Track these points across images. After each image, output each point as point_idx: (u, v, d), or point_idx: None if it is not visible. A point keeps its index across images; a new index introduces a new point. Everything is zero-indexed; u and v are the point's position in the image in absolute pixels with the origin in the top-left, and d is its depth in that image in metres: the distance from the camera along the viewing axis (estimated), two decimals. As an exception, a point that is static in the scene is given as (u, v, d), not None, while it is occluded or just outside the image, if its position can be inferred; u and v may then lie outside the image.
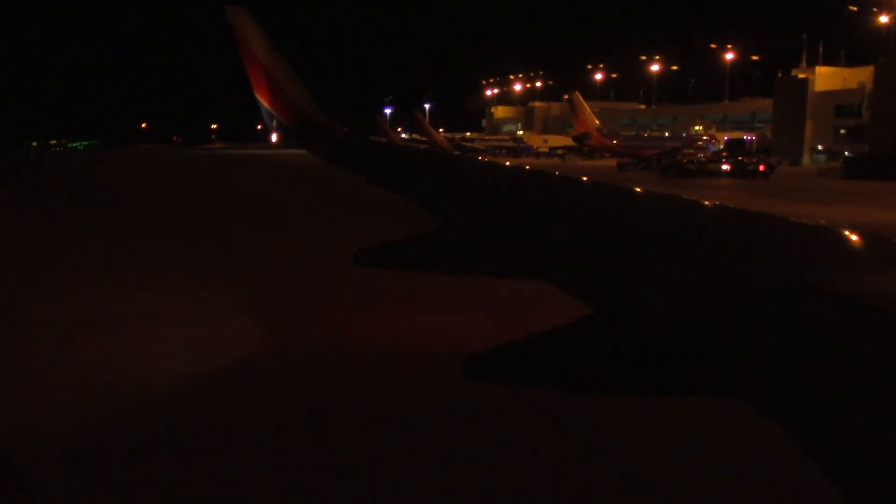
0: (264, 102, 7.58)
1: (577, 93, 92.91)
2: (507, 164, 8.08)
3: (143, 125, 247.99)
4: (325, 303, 13.71)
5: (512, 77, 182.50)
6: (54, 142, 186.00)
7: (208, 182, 54.22)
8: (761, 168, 62.43)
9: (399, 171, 6.13)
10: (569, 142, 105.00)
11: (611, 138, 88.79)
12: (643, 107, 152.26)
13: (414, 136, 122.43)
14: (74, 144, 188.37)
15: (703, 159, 68.59)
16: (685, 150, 78.14)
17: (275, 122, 7.60)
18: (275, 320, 12.71)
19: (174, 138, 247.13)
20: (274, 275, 16.80)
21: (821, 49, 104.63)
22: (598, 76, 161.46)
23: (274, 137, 9.08)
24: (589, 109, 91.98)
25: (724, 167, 64.16)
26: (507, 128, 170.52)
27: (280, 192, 42.46)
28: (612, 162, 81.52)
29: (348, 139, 7.36)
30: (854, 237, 2.83)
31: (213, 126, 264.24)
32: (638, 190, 4.41)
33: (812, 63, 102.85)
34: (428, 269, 4.84)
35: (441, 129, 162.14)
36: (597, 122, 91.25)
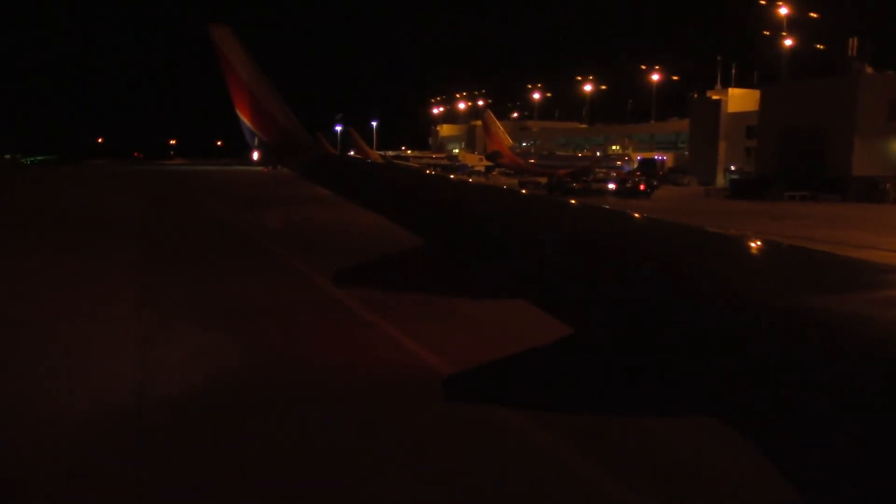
0: (246, 120, 7.58)
1: (489, 112, 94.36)
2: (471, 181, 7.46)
3: (99, 140, 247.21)
4: None
5: (458, 96, 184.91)
6: (8, 156, 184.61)
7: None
8: (642, 188, 64.30)
9: (372, 189, 6.22)
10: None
11: (525, 157, 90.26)
12: (584, 126, 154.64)
13: (351, 153, 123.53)
14: (30, 159, 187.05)
15: (597, 178, 70.20)
16: (597, 170, 79.72)
17: (256, 140, 7.62)
18: None
19: (136, 154, 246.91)
20: None
21: (733, 71, 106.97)
22: (536, 96, 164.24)
23: (255, 155, 9.16)
24: (502, 128, 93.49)
25: (610, 186, 65.88)
26: (451, 146, 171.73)
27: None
28: (539, 180, 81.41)
29: (322, 157, 7.43)
30: (819, 261, 2.88)
31: (172, 141, 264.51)
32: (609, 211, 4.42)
33: (726, 85, 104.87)
34: (408, 289, 4.78)
35: (404, 147, 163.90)
36: (509, 140, 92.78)
